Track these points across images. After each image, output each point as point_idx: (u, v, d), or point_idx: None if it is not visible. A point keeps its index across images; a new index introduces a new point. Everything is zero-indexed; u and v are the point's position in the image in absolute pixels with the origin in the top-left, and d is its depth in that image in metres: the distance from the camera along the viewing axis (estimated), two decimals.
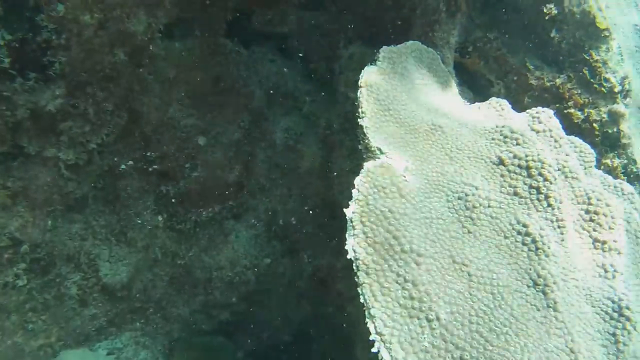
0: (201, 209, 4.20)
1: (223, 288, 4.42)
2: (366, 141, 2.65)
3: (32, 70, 3.23)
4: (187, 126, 4.03)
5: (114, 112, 3.72)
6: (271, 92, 4.40)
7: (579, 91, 4.05)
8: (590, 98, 4.04)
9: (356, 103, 2.82)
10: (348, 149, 4.24)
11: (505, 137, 2.69)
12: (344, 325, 4.61)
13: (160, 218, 4.16)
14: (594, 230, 2.62)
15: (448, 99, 3.15)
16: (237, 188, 4.30)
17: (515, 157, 2.57)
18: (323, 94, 4.55)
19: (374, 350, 2.03)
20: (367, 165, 2.45)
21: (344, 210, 2.36)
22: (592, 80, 4.02)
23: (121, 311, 4.25)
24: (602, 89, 4.01)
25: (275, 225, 4.54)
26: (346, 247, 2.25)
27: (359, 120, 2.75)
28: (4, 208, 3.39)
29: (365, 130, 2.67)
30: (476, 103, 3.29)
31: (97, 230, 4.03)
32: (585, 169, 2.98)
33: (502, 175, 2.53)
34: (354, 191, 2.38)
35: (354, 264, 2.20)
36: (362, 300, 2.12)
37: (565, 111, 4.06)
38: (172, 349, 4.43)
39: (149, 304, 4.32)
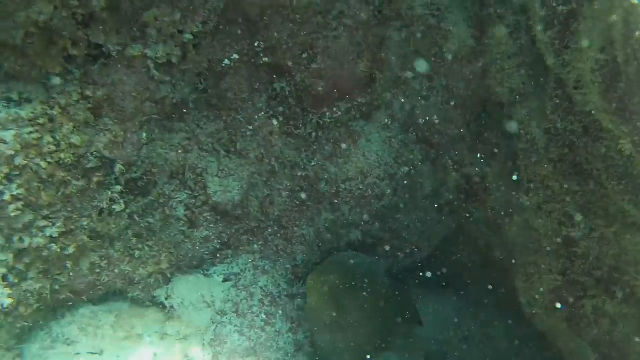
0: (324, 108, 3.41)
1: (353, 203, 3.69)
2: None
3: None
4: (301, 5, 3.15)
5: None
6: None
7: None
8: None
9: None
10: (509, 26, 3.23)
11: None
12: (497, 246, 3.83)
13: (275, 122, 3.42)
14: None
15: None
16: (366, 81, 3.43)
17: None
18: None
19: None
20: None
21: None
22: None
23: (236, 232, 3.67)
24: None
25: (414, 125, 3.69)
26: None
27: None
28: (87, 123, 2.74)
29: None
30: None
31: (202, 140, 3.38)
32: None
33: None
34: None
35: None
36: None
37: None
38: (297, 275, 3.84)
39: (267, 223, 3.70)
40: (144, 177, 3.14)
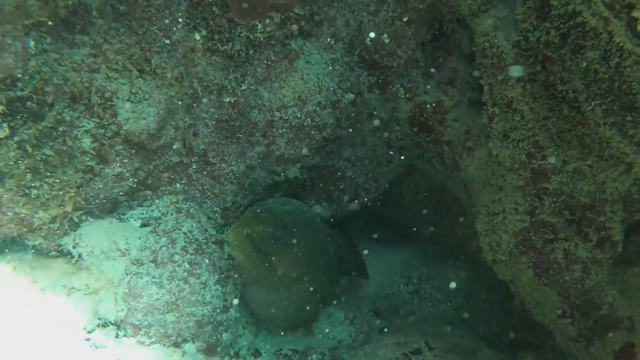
0: (255, 19, 2.88)
1: (290, 135, 3.21)
2: None
3: None
4: None
5: None
6: None
7: None
8: None
9: None
10: None
11: None
12: (454, 186, 3.44)
13: (197, 36, 2.88)
14: None
15: None
16: None
17: None
18: None
19: None
20: None
21: None
22: None
23: (155, 169, 3.15)
24: None
25: (361, 45, 3.21)
26: None
27: None
28: None
29: None
30: None
31: (111, 58, 2.82)
32: None
33: None
34: None
35: None
36: None
37: None
38: (227, 219, 3.36)
39: (190, 158, 3.19)
40: (34, 97, 2.57)
